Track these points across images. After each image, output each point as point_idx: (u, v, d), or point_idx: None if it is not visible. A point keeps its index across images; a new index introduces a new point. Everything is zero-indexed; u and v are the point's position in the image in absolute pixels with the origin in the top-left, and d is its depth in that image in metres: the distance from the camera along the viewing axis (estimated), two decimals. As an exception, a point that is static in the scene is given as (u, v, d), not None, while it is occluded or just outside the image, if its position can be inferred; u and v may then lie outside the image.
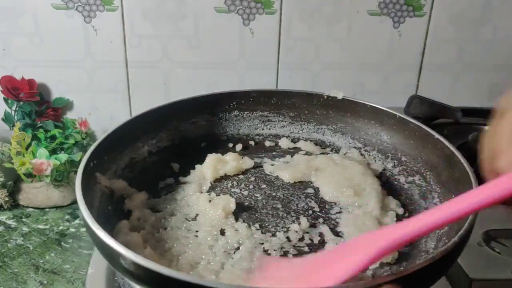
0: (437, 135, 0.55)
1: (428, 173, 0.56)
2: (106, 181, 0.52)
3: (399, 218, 0.53)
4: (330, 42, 0.82)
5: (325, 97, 0.67)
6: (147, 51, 0.80)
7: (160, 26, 0.79)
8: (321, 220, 0.52)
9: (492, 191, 0.32)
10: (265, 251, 0.47)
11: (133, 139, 0.60)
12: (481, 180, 0.36)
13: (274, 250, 0.47)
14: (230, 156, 0.62)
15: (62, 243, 0.65)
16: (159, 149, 0.63)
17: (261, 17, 0.79)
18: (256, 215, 0.53)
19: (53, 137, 0.77)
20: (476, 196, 0.32)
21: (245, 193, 0.57)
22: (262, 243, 0.48)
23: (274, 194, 0.57)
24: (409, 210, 0.55)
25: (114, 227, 0.49)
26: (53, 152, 0.74)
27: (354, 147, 0.65)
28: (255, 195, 0.56)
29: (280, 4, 0.79)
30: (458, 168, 0.49)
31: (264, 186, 0.58)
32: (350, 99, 0.65)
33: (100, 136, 0.54)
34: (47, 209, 0.72)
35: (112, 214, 0.51)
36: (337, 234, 0.50)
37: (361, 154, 0.64)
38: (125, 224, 0.49)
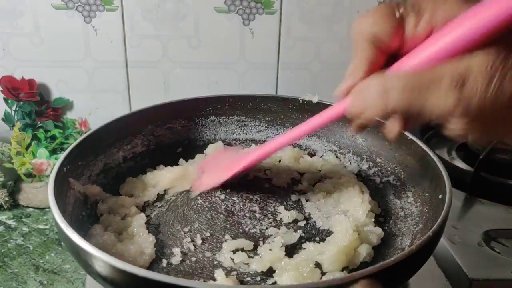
0: (410, 136, 0.56)
1: (402, 173, 0.57)
2: (80, 187, 0.52)
3: (376, 217, 0.54)
4: (330, 42, 0.82)
5: (301, 101, 0.67)
6: (147, 51, 0.80)
7: (160, 26, 0.79)
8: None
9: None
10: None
11: (107, 145, 0.59)
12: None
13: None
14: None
15: (62, 243, 0.65)
16: (134, 155, 0.62)
17: (261, 17, 0.79)
18: (233, 217, 0.52)
19: (53, 137, 0.77)
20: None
21: (222, 196, 0.56)
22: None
23: (251, 196, 0.56)
24: (385, 209, 0.55)
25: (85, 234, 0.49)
26: (53, 152, 0.74)
27: (330, 150, 0.66)
28: (232, 198, 0.56)
29: (280, 4, 0.79)
30: (431, 167, 0.50)
31: (241, 189, 0.58)
32: (325, 103, 0.65)
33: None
34: (47, 209, 0.72)
35: (86, 220, 0.51)
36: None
37: (337, 157, 0.65)
38: (99, 227, 0.49)
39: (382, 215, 0.54)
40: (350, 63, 0.36)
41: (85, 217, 0.51)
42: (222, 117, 0.69)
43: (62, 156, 0.50)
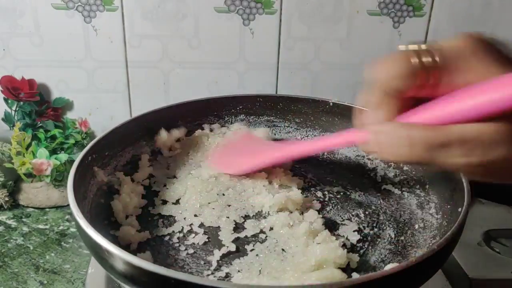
0: None
1: (427, 183, 0.56)
2: (104, 176, 0.53)
3: (396, 227, 0.52)
4: (330, 42, 0.82)
5: (331, 104, 0.66)
6: (147, 51, 0.80)
7: (160, 26, 0.79)
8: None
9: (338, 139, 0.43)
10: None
11: (136, 137, 0.60)
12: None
13: None
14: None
15: (62, 243, 0.65)
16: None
17: (261, 17, 0.79)
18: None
19: (53, 137, 0.77)
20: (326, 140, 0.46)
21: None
22: None
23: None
24: (405, 219, 0.53)
25: (109, 222, 0.50)
26: (53, 152, 0.74)
27: (358, 155, 0.64)
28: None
29: (280, 4, 0.79)
30: (455, 178, 0.49)
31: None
32: (356, 106, 0.63)
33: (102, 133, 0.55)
34: (47, 209, 0.72)
35: (108, 208, 0.51)
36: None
37: (364, 163, 0.63)
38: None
39: (401, 225, 0.52)
40: (366, 96, 0.35)
41: (107, 205, 0.52)
42: (252, 117, 0.69)
43: (88, 145, 0.51)
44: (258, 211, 0.53)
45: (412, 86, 0.32)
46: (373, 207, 0.55)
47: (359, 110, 0.35)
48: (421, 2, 0.80)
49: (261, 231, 0.50)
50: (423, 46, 0.32)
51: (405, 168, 0.59)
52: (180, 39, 0.80)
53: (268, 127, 0.69)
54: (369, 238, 0.49)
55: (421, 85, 0.32)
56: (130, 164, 0.59)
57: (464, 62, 0.31)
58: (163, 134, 0.62)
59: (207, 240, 0.48)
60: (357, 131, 0.38)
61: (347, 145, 0.46)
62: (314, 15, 0.80)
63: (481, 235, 0.59)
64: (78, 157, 0.48)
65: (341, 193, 0.57)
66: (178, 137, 0.64)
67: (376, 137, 0.33)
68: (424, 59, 0.32)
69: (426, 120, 0.32)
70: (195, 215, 0.52)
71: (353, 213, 0.54)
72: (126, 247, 0.47)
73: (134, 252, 0.46)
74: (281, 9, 0.79)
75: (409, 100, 0.34)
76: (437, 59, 0.31)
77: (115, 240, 0.47)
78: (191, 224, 0.50)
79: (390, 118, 0.34)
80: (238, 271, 0.44)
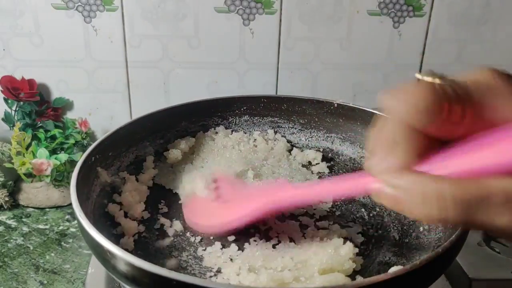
0: None
1: None
2: (107, 177, 0.53)
3: (400, 228, 0.52)
4: (330, 42, 0.82)
5: (336, 105, 0.66)
6: (147, 51, 0.80)
7: (160, 26, 0.79)
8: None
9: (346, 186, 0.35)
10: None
11: (140, 138, 0.60)
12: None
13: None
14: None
15: (62, 243, 0.65)
16: (166, 150, 0.63)
17: (261, 17, 0.79)
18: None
19: (53, 137, 0.77)
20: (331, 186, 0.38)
21: None
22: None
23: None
24: (410, 222, 0.53)
25: (112, 223, 0.50)
26: (53, 152, 0.74)
27: (362, 157, 0.64)
28: None
29: (280, 4, 0.79)
30: None
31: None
32: (360, 108, 0.63)
33: (102, 135, 0.54)
34: (47, 209, 0.72)
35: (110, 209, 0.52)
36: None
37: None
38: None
39: (406, 228, 0.52)
40: (377, 133, 0.29)
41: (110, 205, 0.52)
42: (256, 117, 0.69)
43: (92, 146, 0.51)
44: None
45: (436, 122, 0.27)
46: (377, 209, 0.54)
47: (369, 152, 0.30)
48: (421, 2, 0.81)
49: (264, 232, 0.50)
50: (442, 77, 0.28)
51: None
52: (180, 39, 0.80)
53: (272, 128, 0.69)
54: (373, 240, 0.49)
55: (442, 121, 0.27)
56: (134, 165, 0.59)
57: (492, 97, 0.27)
58: (172, 153, 0.61)
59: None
60: (369, 177, 0.30)
61: (353, 194, 0.41)
62: (314, 15, 0.80)
63: (481, 235, 0.59)
64: (82, 158, 0.48)
65: None
66: (186, 151, 0.63)
67: (393, 192, 0.28)
68: (448, 89, 0.27)
69: (454, 169, 0.27)
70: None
71: (357, 215, 0.53)
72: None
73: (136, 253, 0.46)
74: (281, 9, 0.79)
75: (426, 141, 0.28)
76: (461, 90, 0.27)
77: (117, 241, 0.47)
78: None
79: (408, 163, 0.28)
80: (239, 273, 0.44)
